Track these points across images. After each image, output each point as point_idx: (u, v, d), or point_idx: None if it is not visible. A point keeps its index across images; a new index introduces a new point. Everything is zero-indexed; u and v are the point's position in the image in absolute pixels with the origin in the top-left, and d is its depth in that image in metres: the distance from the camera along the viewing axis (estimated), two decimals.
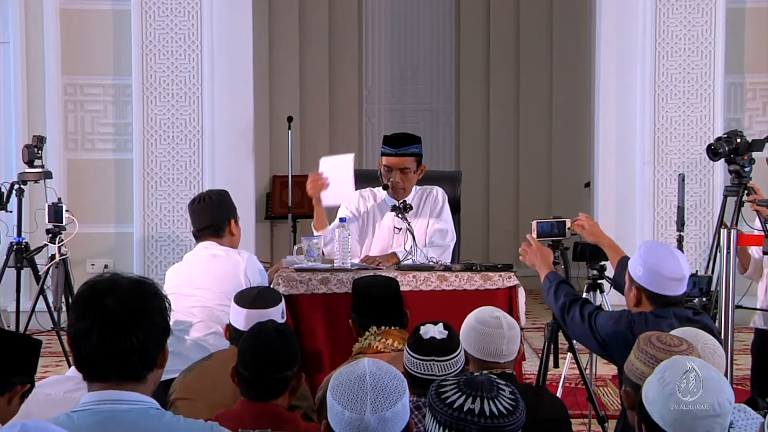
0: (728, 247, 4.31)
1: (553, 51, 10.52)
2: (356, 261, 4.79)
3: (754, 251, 4.97)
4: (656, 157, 7.54)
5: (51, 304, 6.37)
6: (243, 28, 7.67)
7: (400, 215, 4.84)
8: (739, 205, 5.20)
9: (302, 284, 4.46)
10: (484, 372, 2.35)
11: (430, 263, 4.68)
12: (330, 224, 4.93)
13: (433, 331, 3.05)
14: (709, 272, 5.10)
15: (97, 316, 2.16)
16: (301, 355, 3.26)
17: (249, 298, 3.67)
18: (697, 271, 5.20)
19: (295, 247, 4.86)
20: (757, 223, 5.13)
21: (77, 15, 7.72)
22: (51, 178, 6.74)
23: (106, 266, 7.56)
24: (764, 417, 2.32)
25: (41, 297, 6.38)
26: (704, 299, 4.68)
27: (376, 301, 3.89)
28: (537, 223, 4.35)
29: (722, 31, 7.51)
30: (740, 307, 4.72)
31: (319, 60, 10.55)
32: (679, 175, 5.63)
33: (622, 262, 3.86)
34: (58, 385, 3.02)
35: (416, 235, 4.79)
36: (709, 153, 5.38)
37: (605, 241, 4.17)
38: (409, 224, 4.80)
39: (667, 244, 3.97)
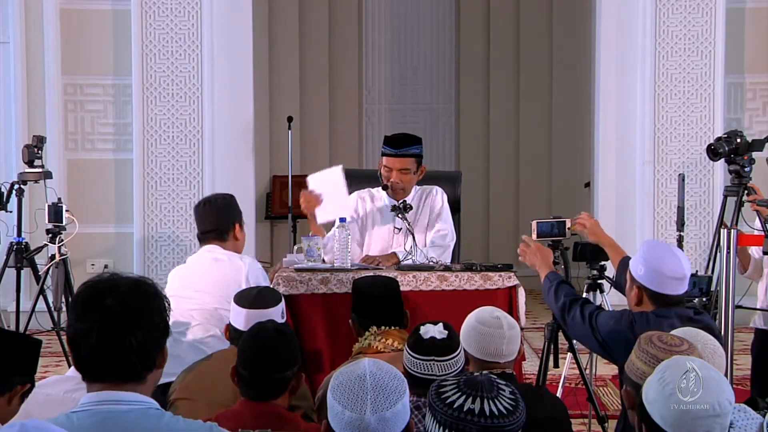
0: (728, 247, 4.31)
1: (553, 51, 10.52)
2: (356, 261, 4.79)
3: (754, 251, 4.97)
4: (656, 157, 7.54)
5: (51, 304, 6.37)
6: (243, 28, 7.67)
7: (400, 215, 4.84)
8: (739, 205, 5.20)
9: (302, 284, 4.46)
10: (484, 372, 2.35)
11: (430, 263, 4.68)
12: (328, 232, 4.91)
13: (433, 331, 3.05)
14: (709, 272, 5.10)
15: (97, 317, 2.15)
16: (301, 355, 3.25)
17: (249, 298, 3.67)
18: (697, 271, 5.20)
19: (295, 247, 4.85)
20: (757, 223, 5.13)
21: (77, 15, 7.72)
22: (51, 178, 6.74)
23: (106, 266, 7.56)
24: (764, 417, 2.32)
25: (41, 297, 6.38)
26: (704, 299, 4.68)
27: (376, 301, 3.89)
28: (537, 223, 4.35)
29: (722, 31, 7.51)
30: (740, 307, 4.72)
31: (319, 60, 10.55)
32: (679, 175, 5.63)
33: (623, 263, 3.86)
34: (58, 385, 3.02)
35: (416, 235, 4.79)
36: (709, 153, 5.38)
37: (606, 240, 4.17)
38: (409, 224, 4.80)
39: (669, 243, 3.97)
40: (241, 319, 3.59)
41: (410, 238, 4.80)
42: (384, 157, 4.97)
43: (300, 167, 9.42)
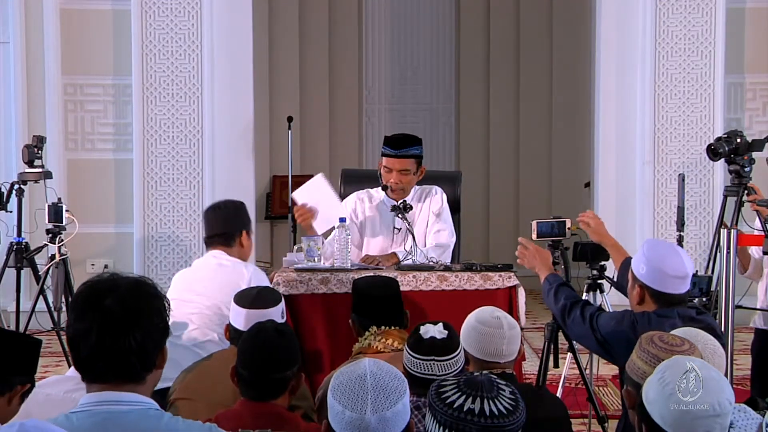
0: (728, 247, 4.31)
1: (553, 51, 10.52)
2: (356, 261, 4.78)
3: (754, 251, 4.97)
4: (656, 157, 7.54)
5: (51, 304, 6.37)
6: (243, 28, 7.67)
7: (400, 215, 4.84)
8: (739, 205, 5.20)
9: (302, 284, 4.46)
10: (484, 372, 2.35)
11: (430, 263, 4.68)
12: (327, 237, 4.89)
13: (433, 331, 3.05)
14: (709, 272, 5.10)
15: (96, 317, 2.15)
16: (301, 355, 3.25)
17: (249, 298, 3.67)
18: (697, 271, 5.19)
19: (295, 247, 4.85)
20: (757, 223, 5.13)
21: (77, 15, 7.72)
22: (51, 178, 6.74)
23: (106, 266, 7.56)
24: (764, 417, 2.32)
25: (41, 297, 6.38)
26: (704, 299, 4.68)
27: (376, 301, 3.89)
28: (537, 223, 4.34)
29: (722, 31, 7.51)
30: (740, 307, 4.72)
31: (319, 60, 10.56)
32: (679, 175, 5.63)
33: (625, 264, 3.84)
34: (58, 385, 3.02)
35: (416, 235, 4.79)
36: (709, 153, 5.38)
37: (609, 240, 4.14)
38: (409, 224, 4.79)
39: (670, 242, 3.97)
40: (241, 319, 3.59)
41: (410, 238, 4.79)
42: (384, 158, 4.96)
43: (300, 167, 9.42)
